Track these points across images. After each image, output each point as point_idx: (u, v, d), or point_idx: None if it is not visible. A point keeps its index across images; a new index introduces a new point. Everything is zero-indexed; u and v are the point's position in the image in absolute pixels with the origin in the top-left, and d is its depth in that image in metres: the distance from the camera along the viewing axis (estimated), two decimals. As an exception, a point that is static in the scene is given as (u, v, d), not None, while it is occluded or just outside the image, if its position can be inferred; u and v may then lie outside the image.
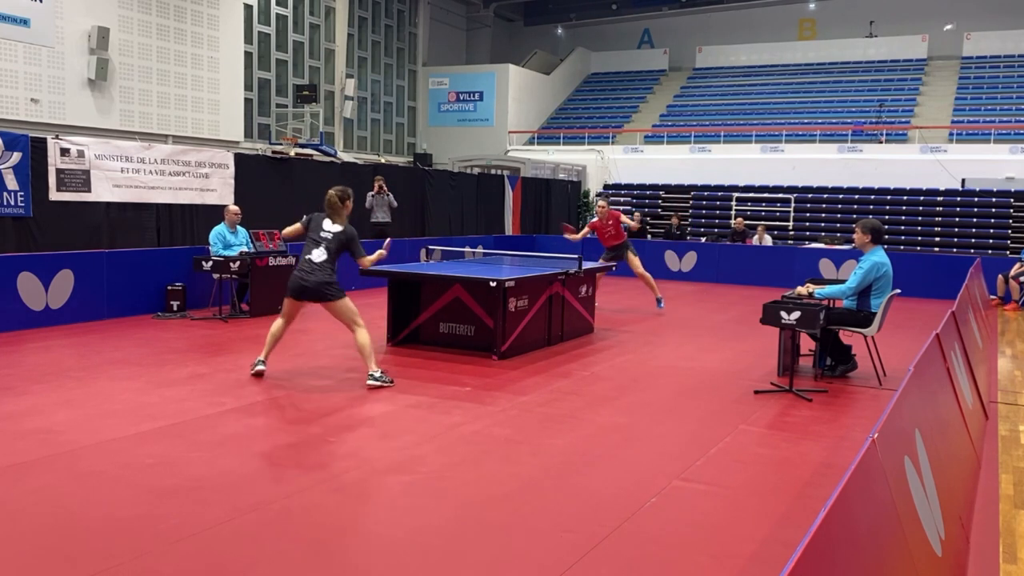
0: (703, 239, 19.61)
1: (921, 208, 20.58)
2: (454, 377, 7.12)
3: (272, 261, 10.30)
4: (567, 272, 8.87)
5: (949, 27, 26.80)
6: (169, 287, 10.18)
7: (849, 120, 24.28)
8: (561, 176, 24.17)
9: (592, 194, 24.09)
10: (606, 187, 24.92)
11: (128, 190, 10.94)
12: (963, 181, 20.93)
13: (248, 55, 21.55)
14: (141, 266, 10.08)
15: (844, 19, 28.48)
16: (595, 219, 11.63)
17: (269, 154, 16.15)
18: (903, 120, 23.90)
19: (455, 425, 5.61)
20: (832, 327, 7.33)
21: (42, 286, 9.00)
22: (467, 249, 13.83)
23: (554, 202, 21.95)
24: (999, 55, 26.21)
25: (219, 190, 12.16)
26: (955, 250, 18.93)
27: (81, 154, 10.35)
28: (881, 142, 22.74)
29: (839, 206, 21.28)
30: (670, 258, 17.02)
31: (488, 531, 3.89)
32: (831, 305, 7.56)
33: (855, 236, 7.46)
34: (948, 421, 4.39)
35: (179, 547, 3.60)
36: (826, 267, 15.41)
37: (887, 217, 20.01)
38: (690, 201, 23.20)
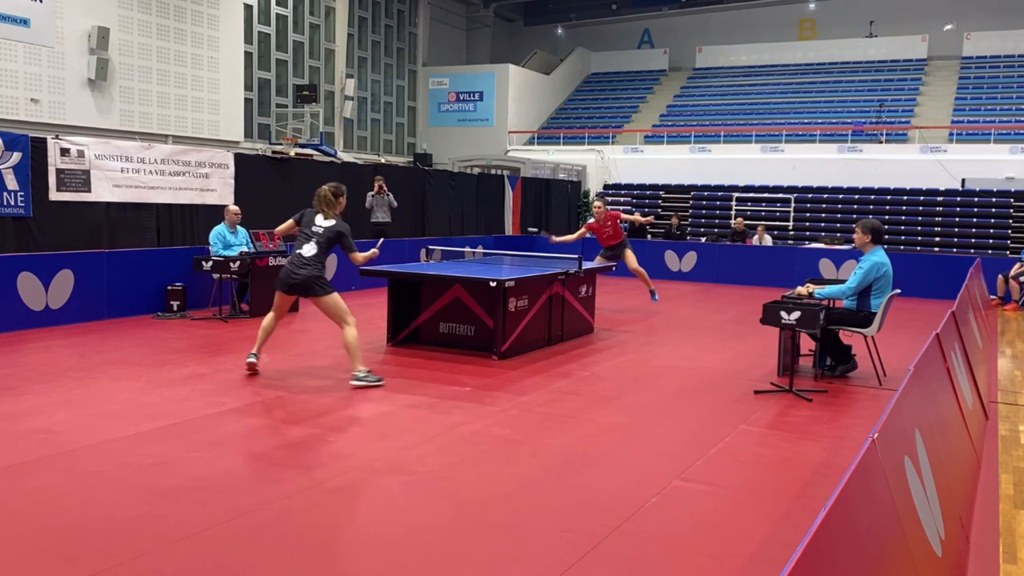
0: (703, 239, 19.60)
1: (921, 208, 20.58)
2: (454, 377, 7.12)
3: (272, 261, 10.30)
4: (567, 272, 8.87)
5: (949, 27, 26.80)
6: (169, 287, 10.19)
7: (849, 120, 24.28)
8: (561, 176, 24.17)
9: (592, 194, 24.09)
10: (606, 187, 24.92)
11: (128, 190, 10.95)
12: (963, 181, 20.93)
13: (248, 55, 21.56)
14: (141, 266, 10.08)
15: (844, 19, 28.48)
16: (592, 220, 11.62)
17: (269, 154, 16.15)
18: (903, 120, 23.90)
19: (455, 425, 5.61)
20: (832, 327, 7.33)
21: (42, 286, 9.00)
22: (467, 249, 13.83)
23: (554, 202, 21.95)
24: (999, 55, 26.22)
25: (219, 190, 12.16)
26: (955, 250, 18.93)
27: (81, 154, 10.35)
28: (881, 142, 22.74)
29: (839, 206, 21.28)
30: (670, 258, 17.02)
31: (488, 531, 3.89)
32: (831, 305, 7.56)
33: (855, 236, 7.46)
34: (948, 421, 4.39)
35: (179, 547, 3.60)
36: (826, 267, 15.41)
37: (887, 217, 20.01)
38: (690, 201, 23.20)
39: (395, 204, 14.72)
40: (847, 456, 5.09)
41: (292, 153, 19.05)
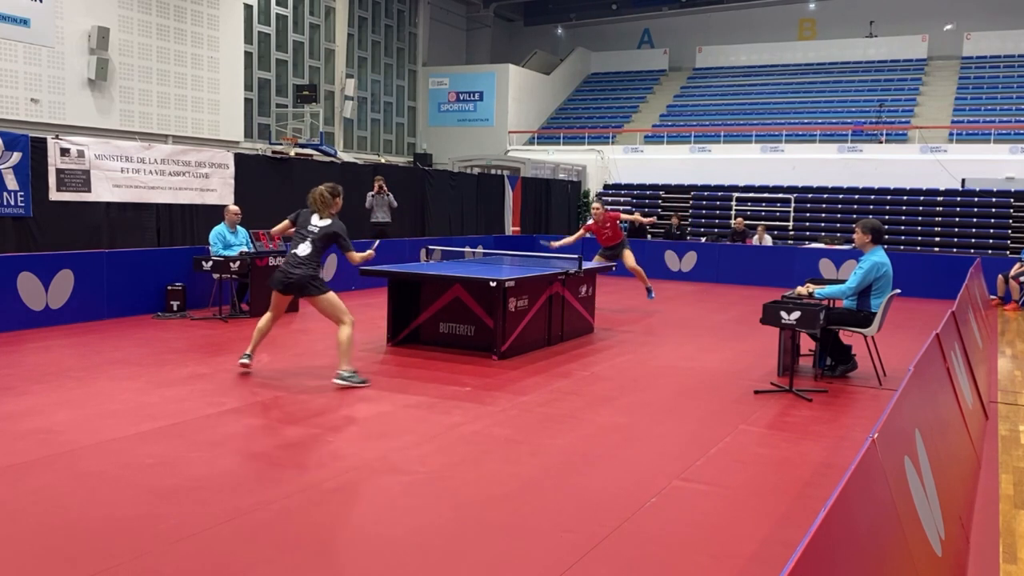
0: (703, 239, 19.61)
1: (921, 208, 20.59)
2: (454, 377, 7.12)
3: (272, 261, 10.29)
4: (567, 272, 8.87)
5: (949, 27, 26.81)
6: (169, 287, 10.18)
7: (849, 120, 24.28)
8: (561, 176, 24.17)
9: (592, 194, 24.10)
10: (606, 187, 24.93)
11: (128, 190, 10.94)
12: (963, 181, 20.94)
13: (248, 55, 21.56)
14: (141, 266, 10.08)
15: (844, 19, 28.49)
16: (590, 222, 11.61)
17: (269, 154, 16.16)
18: (903, 120, 23.90)
19: (455, 425, 5.61)
20: (832, 327, 7.33)
21: (42, 286, 9.00)
22: (467, 249, 13.83)
23: (554, 202, 21.95)
24: (999, 55, 26.22)
25: (219, 190, 12.16)
26: (955, 250, 18.93)
27: (81, 154, 10.35)
28: (881, 142, 22.74)
29: (839, 206, 21.28)
30: (670, 258, 17.02)
31: (488, 531, 3.89)
32: (831, 305, 7.56)
33: (855, 236, 7.46)
34: (948, 421, 4.39)
35: (179, 547, 3.60)
36: (826, 267, 15.41)
37: (887, 217, 20.01)
38: (690, 201, 23.20)
39: (395, 204, 14.72)
40: (847, 456, 5.09)
41: (292, 153, 19.05)
